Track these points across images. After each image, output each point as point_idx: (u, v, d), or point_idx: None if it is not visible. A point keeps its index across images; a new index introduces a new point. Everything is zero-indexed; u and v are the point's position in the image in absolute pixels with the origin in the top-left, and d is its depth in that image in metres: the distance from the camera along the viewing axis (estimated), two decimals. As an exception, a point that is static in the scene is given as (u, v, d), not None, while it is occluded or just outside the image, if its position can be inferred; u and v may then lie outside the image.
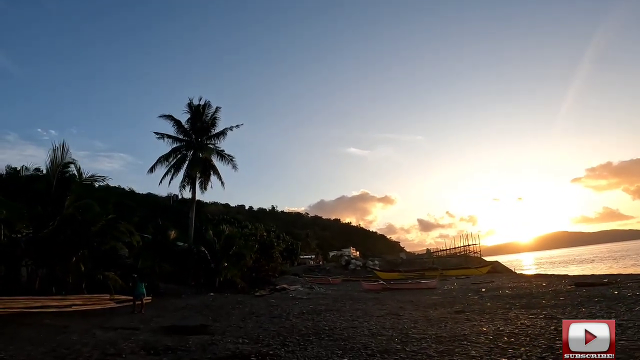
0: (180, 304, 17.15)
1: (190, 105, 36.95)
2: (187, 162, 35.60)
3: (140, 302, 14.75)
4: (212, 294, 22.75)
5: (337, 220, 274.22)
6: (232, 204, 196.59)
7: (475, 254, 63.01)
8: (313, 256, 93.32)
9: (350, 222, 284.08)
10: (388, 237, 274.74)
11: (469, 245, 67.37)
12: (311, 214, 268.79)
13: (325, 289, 28.74)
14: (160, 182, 35.20)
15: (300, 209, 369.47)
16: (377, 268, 56.11)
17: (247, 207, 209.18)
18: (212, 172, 36.57)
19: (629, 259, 66.81)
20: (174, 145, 35.51)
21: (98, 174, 16.76)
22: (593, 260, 76.10)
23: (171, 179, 34.94)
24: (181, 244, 27.75)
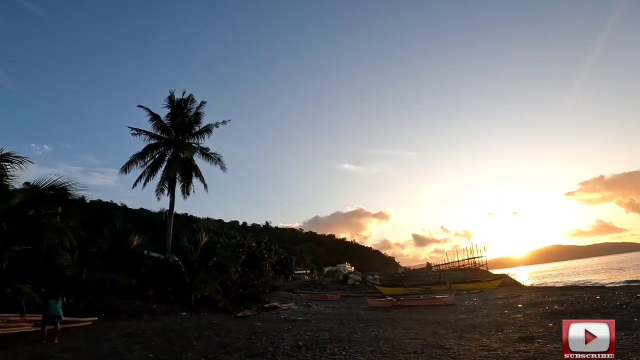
0: (130, 328, 12.68)
1: (170, 98, 32.70)
2: (165, 162, 31.34)
3: (52, 327, 10.38)
4: (184, 313, 18.26)
5: (332, 236, 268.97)
6: (226, 220, 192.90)
7: (482, 267, 58.70)
8: (308, 271, 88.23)
9: (345, 238, 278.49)
10: (383, 252, 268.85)
11: (474, 257, 63.14)
12: (306, 230, 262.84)
13: (324, 307, 24.29)
14: (134, 185, 30.82)
15: (295, 224, 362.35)
16: (378, 283, 51.64)
17: (240, 223, 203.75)
18: (194, 174, 32.30)
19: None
20: (151, 142, 31.19)
21: (14, 153, 11.77)
22: (600, 271, 72.12)
23: (146, 181, 30.57)
24: (149, 253, 23.40)
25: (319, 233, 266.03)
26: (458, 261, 68.28)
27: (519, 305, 18.68)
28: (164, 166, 31.28)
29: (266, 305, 19.30)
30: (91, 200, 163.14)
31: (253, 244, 31.64)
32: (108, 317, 15.63)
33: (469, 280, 47.48)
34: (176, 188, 31.29)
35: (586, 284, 32.32)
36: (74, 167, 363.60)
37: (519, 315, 14.78)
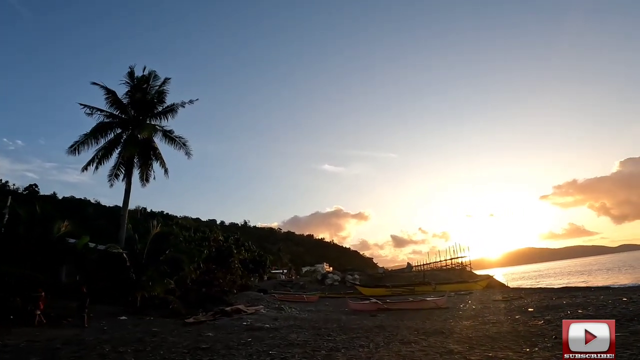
0: (22, 338, 9.07)
1: (131, 74, 28.76)
2: (121, 144, 27.43)
3: None
4: (123, 317, 14.67)
5: (310, 236, 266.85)
6: (204, 219, 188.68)
7: (467, 268, 56.54)
8: (285, 271, 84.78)
9: (324, 238, 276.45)
10: (361, 253, 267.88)
11: (457, 258, 60.98)
12: (284, 230, 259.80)
13: (299, 311, 20.96)
14: (85, 168, 26.74)
15: (273, 224, 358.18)
16: (358, 283, 48.65)
17: (218, 222, 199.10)
18: (154, 158, 28.44)
19: (627, 269, 62.41)
20: (104, 120, 27.20)
21: None
22: (584, 273, 71.20)
23: (98, 164, 26.55)
24: (96, 246, 19.61)
25: (297, 233, 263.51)
26: (440, 261, 66.18)
27: (530, 309, 15.76)
28: (120, 149, 27.45)
29: (227, 309, 15.81)
30: (64, 197, 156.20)
31: (220, 238, 27.96)
32: (14, 323, 11.94)
33: (454, 280, 45.05)
34: (134, 173, 27.56)
35: (590, 286, 29.79)
36: (48, 163, 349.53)
37: (540, 322, 11.82)
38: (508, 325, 11.94)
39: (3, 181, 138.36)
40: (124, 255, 16.94)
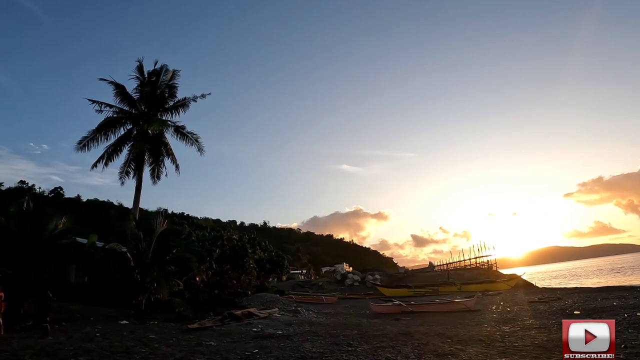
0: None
1: (140, 68, 27.82)
2: (131, 140, 26.55)
3: None
4: (125, 321, 13.49)
5: (329, 236, 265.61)
6: (224, 220, 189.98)
7: (493, 267, 54.10)
8: (304, 271, 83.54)
9: (343, 238, 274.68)
10: (381, 252, 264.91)
11: (482, 256, 58.50)
12: (304, 230, 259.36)
13: (316, 313, 19.53)
14: (94, 166, 26.00)
15: (293, 225, 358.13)
16: (379, 283, 46.98)
17: (238, 223, 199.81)
18: (165, 154, 27.47)
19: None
20: (113, 115, 26.34)
21: None
22: (614, 272, 67.55)
23: (108, 160, 25.75)
24: (105, 246, 18.65)
25: (317, 233, 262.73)
26: (464, 260, 63.69)
27: (576, 312, 13.97)
28: (130, 145, 26.59)
29: (237, 313, 14.45)
30: (87, 199, 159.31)
31: (234, 237, 26.73)
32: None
33: (480, 280, 42.93)
34: (145, 171, 26.67)
35: (634, 285, 27.35)
36: (72, 166, 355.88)
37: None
38: (557, 331, 10.26)
39: (30, 184, 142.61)
40: (128, 254, 15.81)
